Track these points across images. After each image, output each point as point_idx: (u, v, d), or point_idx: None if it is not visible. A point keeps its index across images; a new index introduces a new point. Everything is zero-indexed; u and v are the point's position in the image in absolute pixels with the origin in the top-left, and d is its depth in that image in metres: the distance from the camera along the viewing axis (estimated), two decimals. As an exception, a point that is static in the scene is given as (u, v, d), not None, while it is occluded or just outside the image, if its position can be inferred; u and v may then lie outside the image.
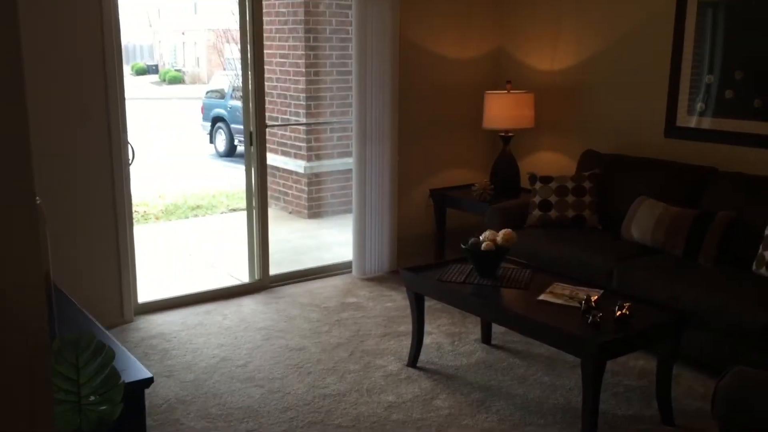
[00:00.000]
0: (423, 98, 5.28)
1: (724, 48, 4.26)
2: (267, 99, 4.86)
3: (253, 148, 4.72)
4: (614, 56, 4.82)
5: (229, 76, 13.20)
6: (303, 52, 6.78)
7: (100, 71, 3.98)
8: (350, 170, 5.21)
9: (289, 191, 7.28)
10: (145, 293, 4.51)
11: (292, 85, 6.97)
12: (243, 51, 4.63)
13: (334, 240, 6.29)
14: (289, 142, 7.19)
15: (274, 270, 4.96)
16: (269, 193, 5.03)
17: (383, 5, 4.81)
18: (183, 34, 30.16)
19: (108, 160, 4.09)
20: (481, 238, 3.55)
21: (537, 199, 4.54)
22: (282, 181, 7.36)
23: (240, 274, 5.10)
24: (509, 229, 3.57)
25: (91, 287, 4.11)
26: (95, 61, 3.96)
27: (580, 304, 3.12)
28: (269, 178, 5.22)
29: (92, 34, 3.93)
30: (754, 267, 3.67)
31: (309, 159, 6.98)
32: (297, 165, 7.08)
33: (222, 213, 8.08)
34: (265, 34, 4.69)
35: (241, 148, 11.75)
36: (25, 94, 1.03)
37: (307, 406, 3.31)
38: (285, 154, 7.24)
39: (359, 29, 4.78)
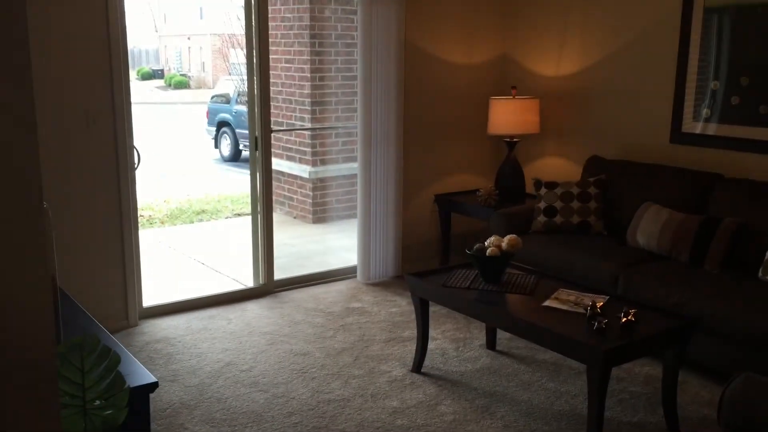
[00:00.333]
0: (428, 103, 5.28)
1: (729, 54, 4.25)
2: (272, 104, 4.87)
3: (258, 153, 4.72)
4: (620, 62, 4.82)
5: (234, 80, 13.23)
6: (308, 57, 6.79)
7: (106, 76, 3.99)
8: (355, 175, 5.22)
9: (294, 196, 7.29)
10: (150, 297, 4.52)
11: (297, 90, 6.99)
12: (249, 56, 4.64)
13: (338, 245, 6.29)
14: (294, 146, 7.20)
15: (278, 275, 4.96)
16: (274, 197, 5.03)
17: (389, 10, 4.82)
18: (189, 38, 30.26)
19: (114, 164, 4.10)
20: (486, 243, 3.55)
21: (542, 205, 4.53)
22: (287, 186, 7.36)
23: (244, 278, 5.10)
24: (514, 235, 3.56)
25: (96, 291, 4.12)
26: (102, 66, 3.97)
27: (586, 310, 3.11)
28: (274, 183, 5.22)
29: (99, 38, 3.94)
30: (760, 273, 3.65)
31: (314, 164, 6.99)
32: (302, 170, 7.08)
33: (227, 218, 8.09)
34: (270, 39, 4.70)
35: (245, 153, 11.76)
36: (33, 100, 1.03)
37: (311, 411, 3.30)
38: (290, 158, 7.25)
39: (364, 34, 4.79)
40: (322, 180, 7.06)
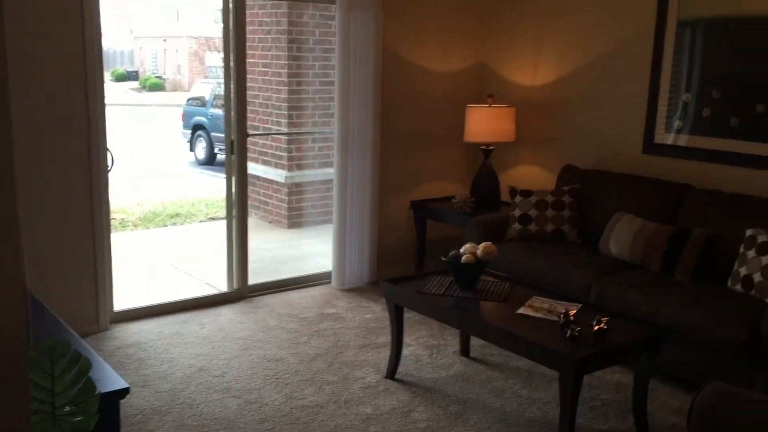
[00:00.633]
0: (405, 110, 5.29)
1: (701, 67, 4.33)
2: (249, 108, 4.84)
3: (234, 157, 4.70)
4: (594, 73, 4.88)
5: (210, 84, 13.15)
6: (286, 62, 6.78)
7: (80, 77, 3.95)
8: (331, 180, 5.21)
9: (269, 200, 7.25)
10: (122, 301, 4.46)
11: (274, 95, 6.96)
12: (226, 59, 4.61)
13: (313, 250, 6.27)
14: (270, 151, 7.17)
15: (252, 279, 4.93)
16: (249, 202, 5.00)
17: (367, 16, 4.83)
18: (164, 40, 30.03)
19: (87, 166, 4.05)
20: (461, 250, 3.56)
21: (517, 213, 4.57)
22: (262, 191, 7.33)
23: (218, 283, 5.06)
24: (489, 243, 3.58)
25: (66, 294, 4.06)
26: (76, 67, 3.92)
27: (559, 318, 3.13)
28: (249, 187, 5.19)
29: (73, 39, 3.90)
30: (729, 283, 3.71)
31: (290, 168, 6.97)
32: (278, 174, 7.06)
33: (201, 221, 8.03)
34: (247, 43, 4.68)
35: (221, 157, 11.70)
36: (9, 105, 1.02)
37: (284, 417, 3.28)
38: (266, 163, 7.22)
39: (342, 40, 4.79)
40: (297, 185, 7.04)
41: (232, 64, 4.58)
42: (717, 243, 3.87)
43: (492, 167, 5.20)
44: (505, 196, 5.11)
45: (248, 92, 4.82)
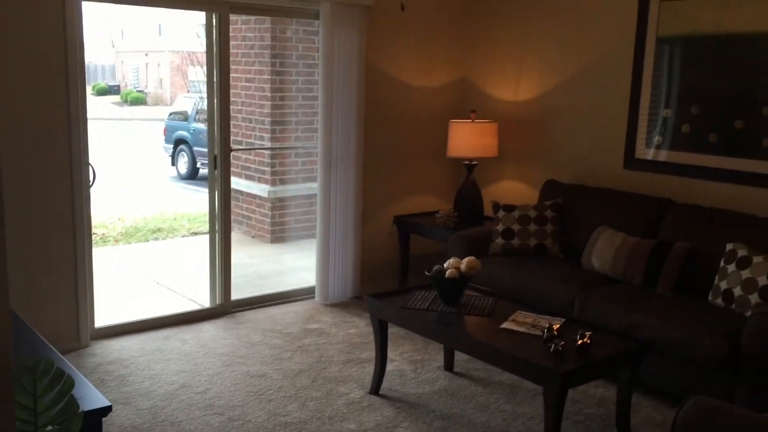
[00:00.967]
0: (388, 125, 5.31)
1: (680, 83, 4.39)
2: (232, 123, 4.84)
3: (217, 172, 4.68)
4: (576, 89, 4.93)
5: (193, 98, 13.12)
6: (269, 77, 6.78)
7: (62, 91, 3.92)
8: (314, 195, 5.21)
9: (252, 215, 7.23)
10: (103, 317, 4.41)
11: (257, 110, 6.96)
12: (209, 74, 4.61)
13: (297, 265, 6.25)
14: (253, 166, 7.16)
15: (235, 295, 4.90)
16: (232, 216, 4.98)
17: (350, 32, 4.86)
18: (146, 55, 29.94)
19: (68, 181, 4.01)
20: (445, 265, 3.57)
21: (500, 228, 4.59)
22: (245, 205, 7.30)
23: (201, 298, 5.03)
24: (473, 257, 3.59)
25: (47, 310, 4.01)
26: (58, 81, 3.90)
27: (543, 332, 3.15)
28: (232, 202, 5.17)
29: (56, 53, 3.88)
30: (710, 297, 3.75)
31: (273, 183, 6.95)
32: (261, 189, 7.04)
33: (183, 236, 7.97)
34: (230, 58, 4.69)
35: (203, 171, 11.65)
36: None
37: (267, 434, 3.26)
38: (249, 178, 7.20)
39: (326, 55, 4.81)
40: (281, 199, 7.03)
41: (215, 78, 4.58)
42: (698, 257, 3.91)
43: (475, 182, 5.23)
44: (488, 210, 5.13)
45: (231, 107, 4.81)
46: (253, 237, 7.22)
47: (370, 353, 4.12)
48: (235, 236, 4.98)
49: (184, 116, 12.36)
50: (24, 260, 3.91)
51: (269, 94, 6.79)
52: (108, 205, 9.01)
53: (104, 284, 5.32)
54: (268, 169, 6.97)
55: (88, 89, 4.14)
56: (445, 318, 3.44)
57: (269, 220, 7.01)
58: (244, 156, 7.25)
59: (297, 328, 4.59)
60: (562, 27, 4.98)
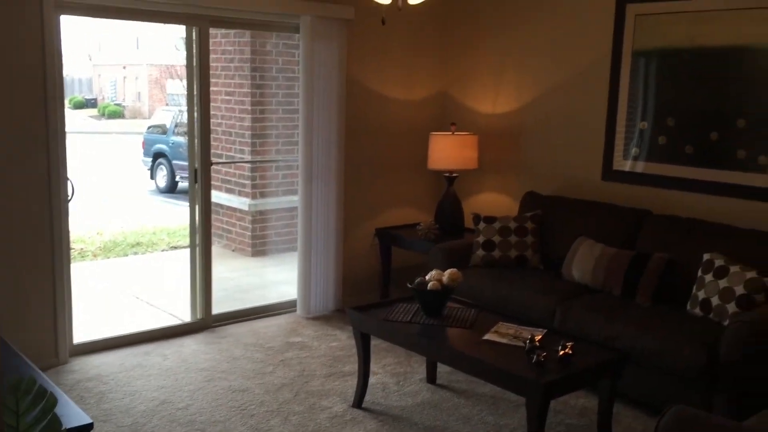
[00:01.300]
0: (369, 138, 5.33)
1: (656, 96, 4.46)
2: (212, 136, 4.82)
3: (197, 185, 4.66)
4: (554, 101, 4.99)
5: (171, 111, 13.06)
6: (249, 90, 6.78)
7: (40, 104, 3.90)
8: (295, 208, 5.20)
9: (233, 229, 7.20)
10: (81, 333, 4.36)
11: (238, 123, 6.95)
12: (189, 87, 4.60)
13: (278, 278, 6.23)
14: (233, 179, 7.14)
15: (216, 309, 4.87)
16: (212, 230, 4.95)
17: (331, 45, 4.88)
18: (124, 68, 29.76)
19: (47, 196, 3.98)
20: (427, 277, 3.58)
21: (481, 239, 4.62)
22: (225, 219, 7.27)
23: (181, 313, 4.99)
24: (455, 269, 3.61)
25: (25, 327, 3.96)
26: (36, 94, 3.87)
27: (525, 343, 3.16)
28: (212, 215, 5.14)
29: (33, 66, 3.85)
30: (688, 307, 3.79)
31: (254, 196, 6.94)
32: (241, 202, 7.02)
33: (163, 250, 7.92)
34: (210, 71, 4.68)
35: (182, 185, 11.59)
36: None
37: (250, 449, 3.23)
38: (229, 191, 7.18)
39: (306, 69, 4.82)
40: (261, 213, 7.01)
41: (195, 92, 4.57)
42: (675, 267, 3.96)
43: (455, 194, 5.26)
44: (468, 222, 5.16)
45: (211, 120, 4.80)
46: (233, 250, 7.18)
47: (352, 366, 4.11)
48: (216, 250, 4.95)
49: (163, 129, 12.30)
50: (1, 276, 3.86)
51: (249, 108, 6.79)
52: (86, 219, 8.93)
53: (83, 300, 5.26)
54: (248, 182, 6.95)
55: (65, 102, 4.10)
56: (428, 330, 3.45)
57: (250, 234, 6.98)
58: (224, 169, 7.23)
59: (279, 342, 4.57)
60: (539, 41, 5.04)
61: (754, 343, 3.19)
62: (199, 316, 4.78)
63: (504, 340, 3.29)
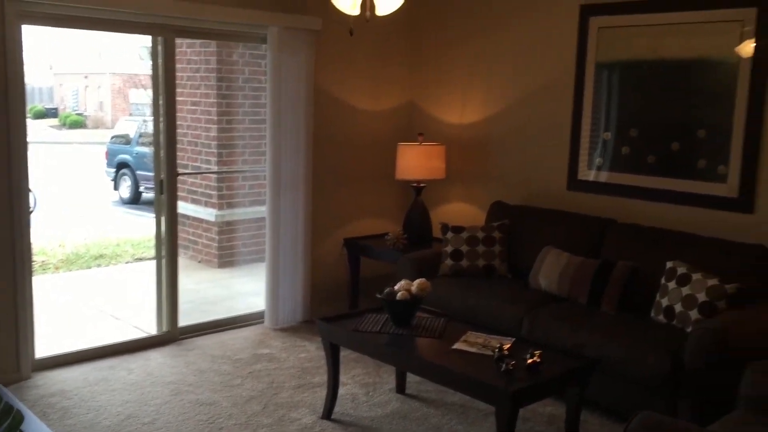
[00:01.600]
0: (337, 148, 5.34)
1: (619, 107, 4.55)
2: (177, 146, 4.78)
3: (163, 196, 4.61)
4: (520, 112, 5.05)
5: (135, 121, 12.91)
6: (215, 100, 6.73)
7: (2, 115, 3.83)
8: (263, 218, 5.17)
9: (199, 240, 7.12)
10: (44, 348, 4.27)
11: (204, 133, 6.89)
12: (155, 97, 4.56)
13: (245, 289, 6.18)
14: (199, 189, 7.07)
15: (183, 321, 4.81)
16: (178, 241, 4.90)
17: (298, 56, 4.87)
18: (86, 77, 29.30)
19: (8, 207, 3.90)
20: (396, 287, 3.59)
21: (449, 249, 4.64)
22: (191, 230, 7.19)
23: (147, 325, 4.92)
24: (424, 279, 3.62)
25: (-15, 342, 3.86)
26: (-3, 105, 3.80)
27: (494, 352, 3.19)
28: (178, 227, 5.08)
29: (-5, 77, 3.78)
30: (652, 314, 3.86)
31: (220, 207, 6.88)
32: (208, 213, 6.95)
33: (127, 262, 7.79)
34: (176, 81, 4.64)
35: (146, 195, 11.44)
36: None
37: (218, 463, 3.20)
38: (195, 202, 7.11)
39: (274, 79, 4.81)
40: (228, 223, 6.95)
41: (161, 102, 4.53)
42: (640, 275, 4.03)
43: (423, 204, 5.28)
44: (437, 232, 5.19)
45: (177, 130, 4.76)
46: (199, 262, 7.11)
47: (321, 377, 4.10)
48: (181, 261, 4.89)
49: (127, 140, 12.13)
50: (-40, 290, 3.76)
51: (215, 118, 6.74)
52: (48, 231, 8.75)
53: (45, 313, 5.16)
54: (215, 192, 6.89)
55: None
56: (398, 340, 3.46)
57: (216, 245, 6.92)
58: (190, 180, 7.16)
59: (247, 354, 4.53)
60: (506, 52, 5.11)
61: (716, 349, 3.25)
62: (165, 328, 4.72)
63: (473, 350, 3.30)
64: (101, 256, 7.94)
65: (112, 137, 12.74)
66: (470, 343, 3.38)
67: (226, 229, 6.94)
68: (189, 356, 4.47)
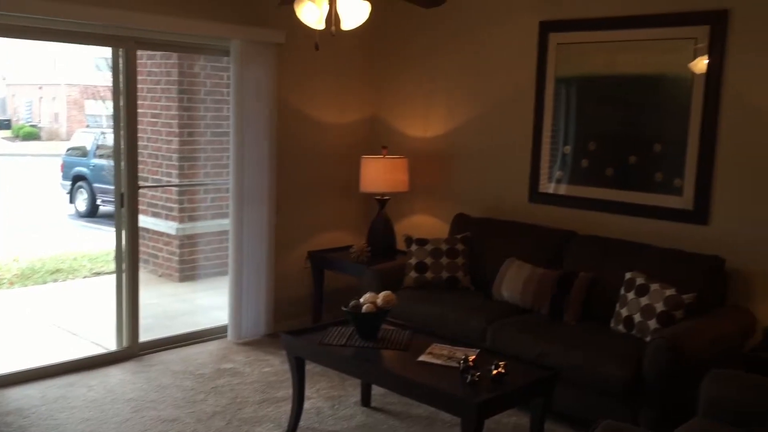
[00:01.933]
0: (301, 161, 5.33)
1: (578, 121, 4.65)
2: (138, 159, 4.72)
3: (124, 210, 4.55)
4: (483, 126, 5.12)
5: (92, 133, 12.69)
6: (176, 112, 6.67)
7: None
8: (225, 232, 5.13)
9: (160, 253, 7.02)
10: (-1, 366, 4.17)
11: (164, 145, 6.82)
12: (115, 110, 4.50)
13: (208, 303, 6.11)
14: (160, 202, 6.98)
15: (144, 336, 4.74)
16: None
17: (261, 69, 4.87)
18: (40, 88, 28.70)
19: (-38, 221, 3.80)
20: (361, 300, 3.60)
21: (413, 261, 4.66)
22: (152, 243, 7.09)
23: (106, 341, 4.82)
24: (389, 292, 3.64)
25: (-63, 361, 3.75)
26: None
27: (459, 363, 3.21)
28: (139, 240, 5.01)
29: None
30: (612, 324, 3.94)
31: (182, 220, 6.80)
32: (168, 226, 6.86)
33: (85, 277, 7.63)
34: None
35: (104, 209, 11.23)
36: None
37: (182, 481, 3.15)
38: (156, 215, 7.01)
39: (237, 92, 4.79)
40: (189, 237, 6.87)
41: (121, 114, 4.47)
42: (600, 286, 4.11)
43: (387, 217, 5.31)
44: (401, 245, 5.21)
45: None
46: (160, 276, 7.01)
47: (285, 392, 4.07)
48: (141, 275, 4.82)
49: (83, 152, 11.90)
50: None
51: (177, 130, 6.68)
52: (2, 245, 8.53)
53: (0, 330, 5.02)
54: (176, 205, 6.81)
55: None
56: (364, 353, 3.46)
57: (178, 258, 6.83)
58: (150, 192, 7.06)
59: (210, 369, 4.48)
60: (467, 67, 5.18)
61: (673, 358, 3.33)
62: (125, 344, 4.64)
63: (439, 361, 3.32)
64: (58, 270, 7.77)
65: (68, 149, 12.49)
66: (435, 355, 3.40)
67: (187, 242, 6.86)
68: (150, 372, 4.40)
